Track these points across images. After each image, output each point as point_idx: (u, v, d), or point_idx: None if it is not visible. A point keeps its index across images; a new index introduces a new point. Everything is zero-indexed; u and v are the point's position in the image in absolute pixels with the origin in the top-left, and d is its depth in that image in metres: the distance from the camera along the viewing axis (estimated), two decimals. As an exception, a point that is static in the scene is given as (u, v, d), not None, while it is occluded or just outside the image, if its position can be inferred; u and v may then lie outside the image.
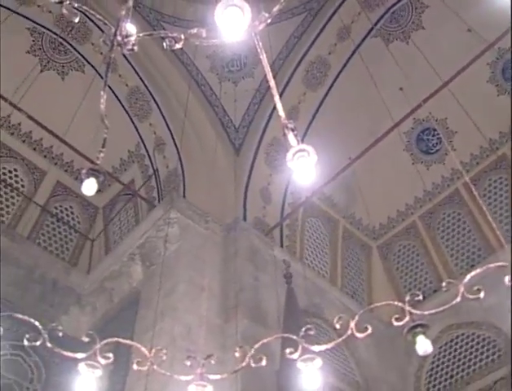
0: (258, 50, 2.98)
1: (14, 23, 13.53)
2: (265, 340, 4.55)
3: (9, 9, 13.24)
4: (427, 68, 12.56)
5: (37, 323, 4.23)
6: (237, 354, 4.49)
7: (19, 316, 4.35)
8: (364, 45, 14.30)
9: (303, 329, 4.33)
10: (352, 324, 4.13)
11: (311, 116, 14.53)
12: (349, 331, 4.16)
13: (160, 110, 14.06)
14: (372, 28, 14.28)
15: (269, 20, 2.95)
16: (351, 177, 15.07)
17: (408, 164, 15.51)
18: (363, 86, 14.25)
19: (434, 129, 15.19)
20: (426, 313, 4.33)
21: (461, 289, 4.23)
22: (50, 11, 13.71)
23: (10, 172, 14.61)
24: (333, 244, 15.11)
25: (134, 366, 4.53)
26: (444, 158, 15.20)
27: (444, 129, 14.94)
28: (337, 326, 4.18)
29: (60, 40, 14.29)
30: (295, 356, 4.36)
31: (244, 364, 4.44)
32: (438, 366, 12.91)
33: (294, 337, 4.37)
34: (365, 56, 13.84)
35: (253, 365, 4.45)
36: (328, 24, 14.20)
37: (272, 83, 3.31)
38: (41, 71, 14.46)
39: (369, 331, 4.14)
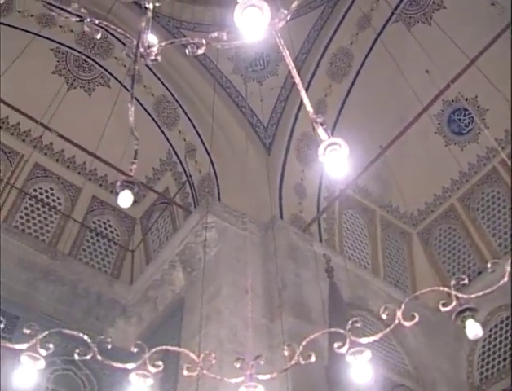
0: (280, 47, 2.98)
1: (38, 45, 13.76)
2: (312, 337, 4.54)
3: (32, 32, 13.48)
4: (452, 48, 12.39)
5: (85, 337, 4.29)
6: (286, 353, 4.50)
7: (68, 331, 4.41)
8: (385, 31, 14.17)
9: (350, 322, 4.31)
10: (399, 313, 4.09)
11: (338, 108, 14.46)
12: (396, 321, 4.13)
13: (187, 116, 14.15)
14: (392, 14, 14.15)
15: (288, 17, 2.94)
16: (384, 165, 14.96)
17: (441, 146, 15.33)
18: (388, 73, 14.13)
19: (465, 109, 14.98)
20: (473, 296, 4.28)
21: (508, 269, 4.17)
22: (71, 30, 13.90)
23: (46, 191, 14.85)
24: (372, 235, 15.01)
25: (185, 372, 4.56)
26: (478, 137, 14.98)
27: (475, 108, 14.73)
28: (384, 316, 4.15)
29: (84, 57, 14.48)
30: (343, 350, 4.34)
31: (293, 362, 4.44)
32: (489, 349, 12.73)
33: (341, 331, 4.35)
34: (388, 42, 13.71)
35: (302, 362, 4.45)
36: (348, 13, 14.11)
37: (297, 79, 3.30)
38: (68, 89, 14.67)
39: (416, 319, 4.11)
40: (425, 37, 13.76)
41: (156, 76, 14.05)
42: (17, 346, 4.22)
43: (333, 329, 4.58)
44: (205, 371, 4.55)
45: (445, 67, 12.81)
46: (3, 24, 13.16)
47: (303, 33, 14.31)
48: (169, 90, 14.19)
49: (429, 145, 15.28)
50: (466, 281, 4.19)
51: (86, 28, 2.90)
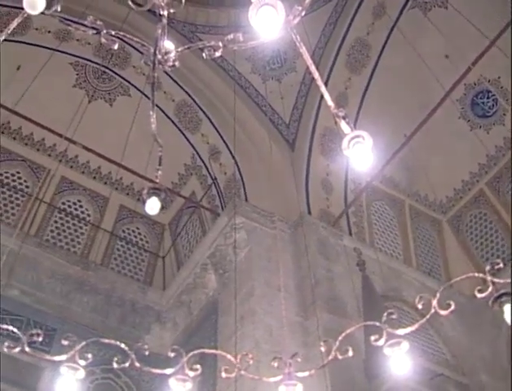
0: (297, 44, 2.98)
1: (57, 60, 13.91)
2: (348, 331, 4.53)
3: (51, 48, 13.64)
4: (471, 30, 12.25)
5: (123, 345, 4.33)
6: (322, 349, 4.49)
7: (106, 341, 4.46)
8: (401, 19, 14.06)
9: (385, 314, 4.29)
10: (434, 302, 4.06)
11: (359, 100, 14.38)
12: (432, 310, 4.10)
13: (209, 119, 14.19)
14: (407, 0, 14.04)
15: (303, 13, 2.94)
16: (410, 154, 14.85)
17: (466, 131, 15.16)
18: (407, 60, 14.01)
19: (488, 91, 14.79)
20: (510, 280, 4.22)
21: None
22: (89, 43, 14.04)
23: (74, 203, 15.01)
24: (402, 225, 14.91)
25: (223, 374, 4.58)
26: (503, 118, 14.78)
27: (499, 89, 14.54)
28: (419, 306, 4.12)
29: (103, 68, 14.61)
30: (381, 342, 4.32)
31: (330, 358, 4.43)
32: (529, 332, 12.55)
33: (377, 324, 4.33)
34: (405, 30, 13.61)
35: (339, 357, 4.44)
36: (362, 4, 14.04)
37: (316, 74, 3.29)
38: (90, 101, 14.81)
39: (453, 307, 4.07)
40: (442, 21, 13.62)
41: (176, 81, 14.12)
42: (56, 358, 4.27)
43: (369, 322, 4.56)
44: (242, 372, 4.57)
45: (465, 49, 12.66)
46: (22, 42, 13.34)
47: (319, 27, 14.27)
48: (189, 95, 14.24)
49: (453, 130, 15.13)
50: (501, 265, 4.15)
51: (103, 40, 2.93)
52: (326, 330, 9.73)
